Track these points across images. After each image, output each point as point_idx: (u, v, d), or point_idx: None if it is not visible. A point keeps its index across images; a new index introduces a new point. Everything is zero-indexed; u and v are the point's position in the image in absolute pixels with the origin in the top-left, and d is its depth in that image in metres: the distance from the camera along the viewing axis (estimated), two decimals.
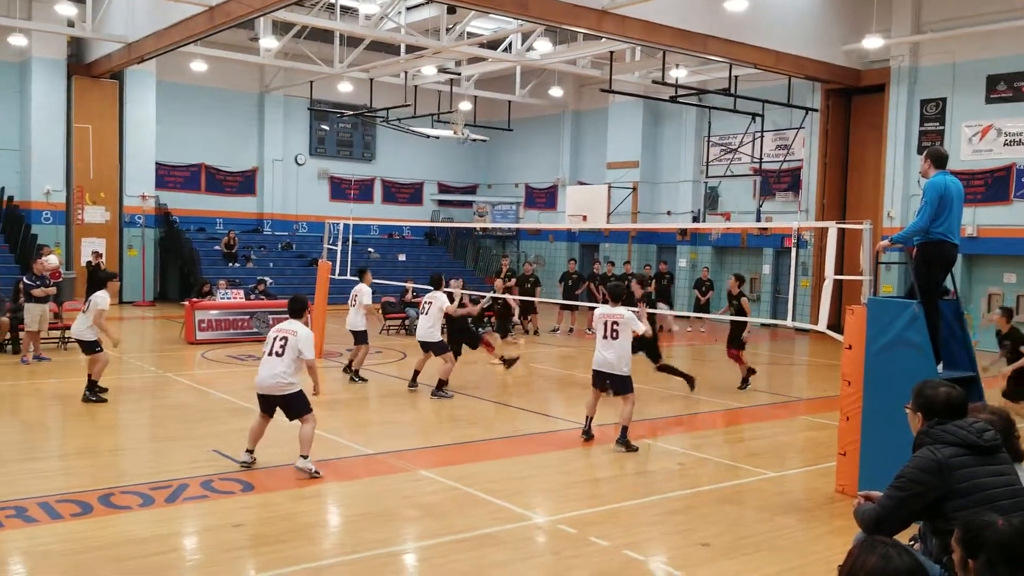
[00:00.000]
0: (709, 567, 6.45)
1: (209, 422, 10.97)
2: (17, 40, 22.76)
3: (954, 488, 4.31)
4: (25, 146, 25.01)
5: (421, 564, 6.54)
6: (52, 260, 20.35)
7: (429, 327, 12.91)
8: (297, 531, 6.99)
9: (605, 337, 9.96)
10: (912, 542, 4.84)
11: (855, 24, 21.50)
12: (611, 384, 10.14)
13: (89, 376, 11.83)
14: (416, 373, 13.32)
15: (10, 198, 24.90)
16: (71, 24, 22.62)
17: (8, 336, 16.10)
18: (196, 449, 9.42)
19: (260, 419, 8.68)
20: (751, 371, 14.37)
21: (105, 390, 11.89)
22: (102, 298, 11.72)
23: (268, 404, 8.59)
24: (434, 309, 12.92)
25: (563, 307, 21.78)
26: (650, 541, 7.09)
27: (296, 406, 8.48)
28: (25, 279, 15.68)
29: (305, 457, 8.40)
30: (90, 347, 11.82)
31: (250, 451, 8.63)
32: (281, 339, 8.46)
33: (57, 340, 16.86)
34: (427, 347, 13.05)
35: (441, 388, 12.78)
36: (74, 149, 25.40)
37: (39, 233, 23.99)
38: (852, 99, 24.00)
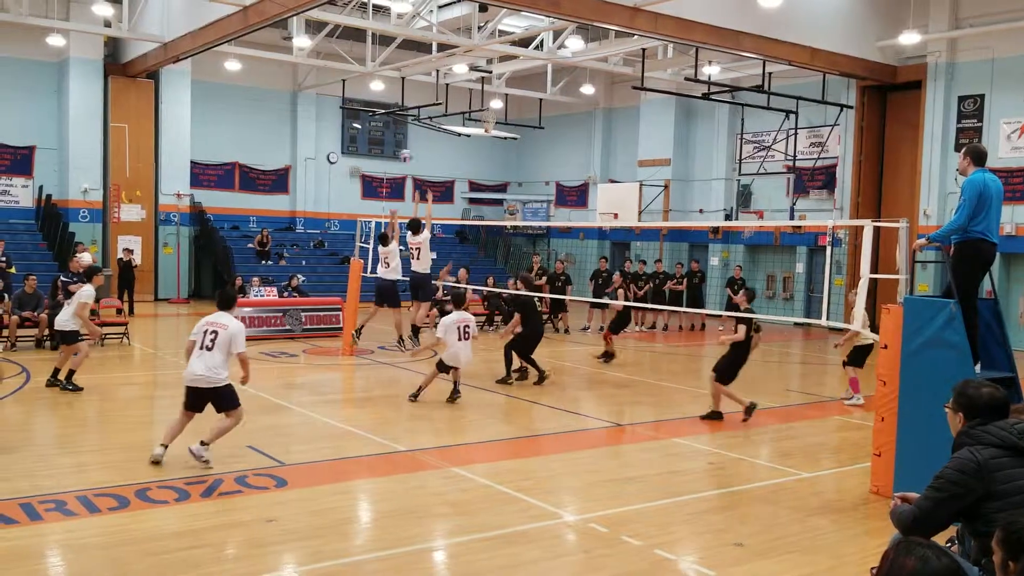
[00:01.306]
0: (742, 567, 6.41)
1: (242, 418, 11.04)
2: (55, 40, 23.11)
3: (994, 490, 4.25)
4: (63, 145, 25.38)
5: (452, 561, 6.55)
6: (85, 258, 20.61)
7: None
8: (330, 527, 7.03)
9: (460, 339, 12.01)
10: (949, 544, 4.78)
11: (891, 19, 21.26)
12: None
13: (56, 368, 12.17)
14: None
15: (48, 196, 25.28)
16: (108, 24, 22.92)
17: (47, 332, 16.34)
18: (230, 445, 9.48)
19: (183, 415, 8.64)
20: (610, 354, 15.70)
21: (79, 388, 12.03)
22: (87, 292, 11.99)
23: (198, 398, 8.55)
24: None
25: (593, 305, 21.76)
26: (682, 540, 7.06)
27: (227, 399, 8.53)
28: (62, 276, 15.91)
29: (205, 444, 8.43)
30: (71, 337, 12.09)
31: (165, 446, 8.54)
32: (212, 333, 8.46)
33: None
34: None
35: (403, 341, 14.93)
36: (111, 148, 25.75)
37: (76, 231, 24.35)
38: (888, 96, 23.71)
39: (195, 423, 8.65)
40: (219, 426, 8.52)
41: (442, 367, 11.96)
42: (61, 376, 12.09)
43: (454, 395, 12.07)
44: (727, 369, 11.59)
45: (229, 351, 8.47)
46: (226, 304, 8.76)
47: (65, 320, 12.09)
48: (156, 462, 8.43)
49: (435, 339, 12.32)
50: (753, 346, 11.69)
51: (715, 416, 11.52)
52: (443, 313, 14.24)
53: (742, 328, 11.37)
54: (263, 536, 6.75)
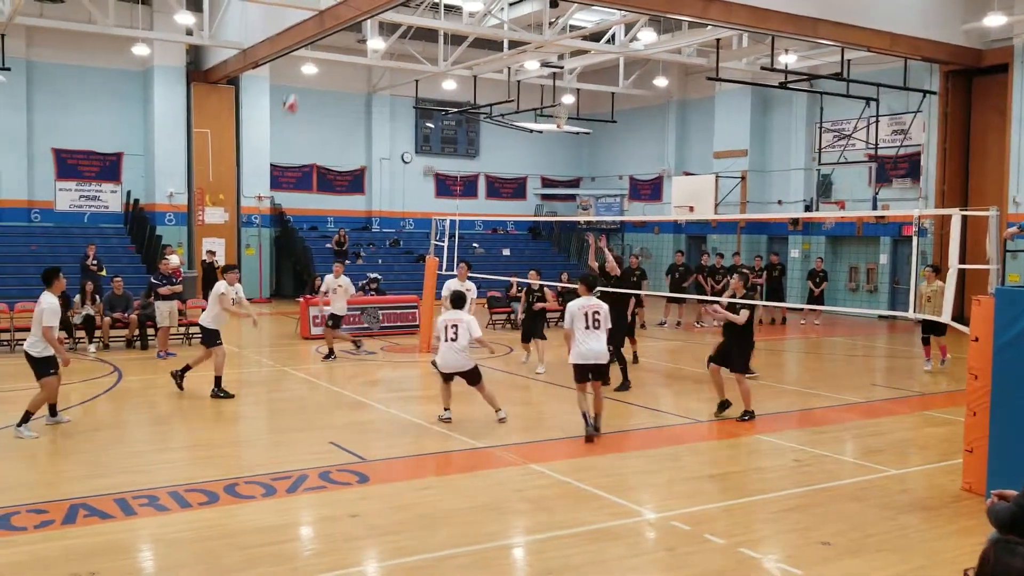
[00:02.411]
0: (830, 566, 6.28)
1: (325, 415, 11.27)
2: (140, 50, 23.88)
3: None
4: (149, 151, 26.19)
5: (534, 557, 6.56)
6: (173, 260, 21.25)
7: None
8: (411, 522, 7.11)
9: (588, 328, 9.70)
10: None
11: (975, 2, 20.54)
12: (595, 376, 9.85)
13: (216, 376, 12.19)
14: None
15: (136, 201, 26.12)
16: (190, 33, 23.55)
17: (136, 333, 16.89)
18: (314, 441, 9.69)
19: (446, 386, 10.59)
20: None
21: (230, 395, 12.20)
22: (47, 303, 9.86)
23: (451, 376, 10.44)
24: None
25: (670, 300, 21.56)
26: (766, 539, 6.95)
27: (475, 376, 10.48)
28: (152, 278, 16.42)
29: (499, 410, 10.60)
30: (212, 337, 12.21)
31: (447, 409, 10.55)
32: (452, 327, 10.26)
33: (182, 336, 17.59)
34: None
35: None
36: (194, 153, 26.48)
37: (163, 234, 25.12)
38: (973, 80, 22.92)
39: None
40: (487, 396, 10.54)
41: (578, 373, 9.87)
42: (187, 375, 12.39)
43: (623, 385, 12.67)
44: (741, 360, 11.02)
45: (470, 337, 10.24)
46: (458, 303, 10.83)
47: (207, 319, 12.28)
48: (447, 420, 10.35)
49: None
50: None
51: (749, 416, 10.95)
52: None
53: (744, 312, 10.87)
54: (347, 531, 6.87)
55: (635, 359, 15.07)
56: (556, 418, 11.29)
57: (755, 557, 6.44)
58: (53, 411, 10.24)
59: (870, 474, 8.75)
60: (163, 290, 16.07)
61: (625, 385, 12.90)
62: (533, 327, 15.26)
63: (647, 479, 8.62)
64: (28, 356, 9.85)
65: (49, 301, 9.84)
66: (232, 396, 12.10)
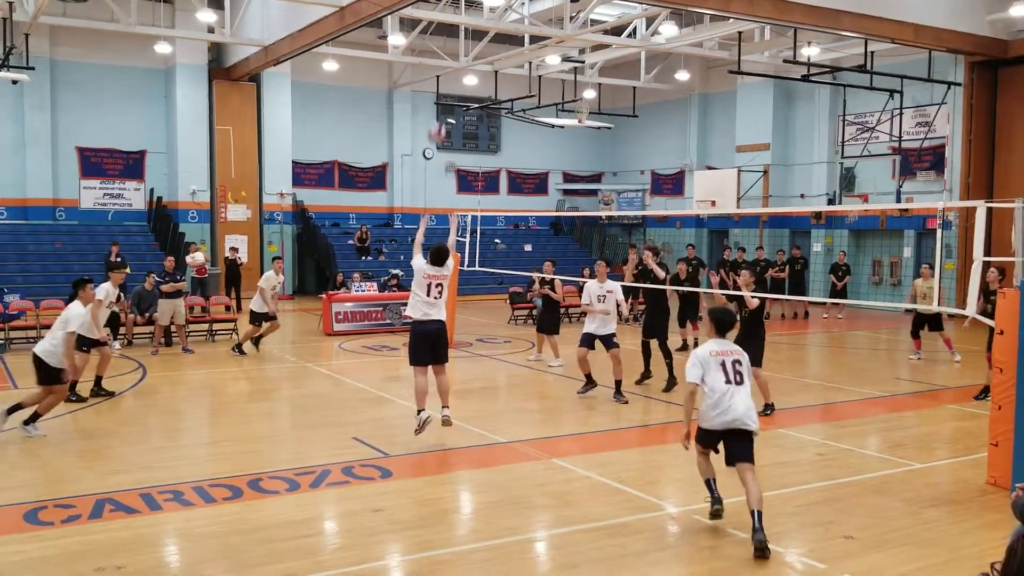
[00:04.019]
0: (854, 561, 6.25)
1: (347, 410, 11.33)
2: (162, 48, 24.06)
3: None
4: (172, 149, 26.38)
5: (557, 552, 6.57)
6: (199, 257, 21.45)
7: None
8: (434, 516, 7.15)
9: (729, 382, 7.56)
10: None
11: None
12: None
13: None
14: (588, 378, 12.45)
15: (159, 199, 26.33)
16: (211, 30, 23.69)
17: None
18: (337, 437, 9.75)
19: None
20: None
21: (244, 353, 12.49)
22: (74, 311, 9.98)
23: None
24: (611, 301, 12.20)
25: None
26: (790, 533, 6.91)
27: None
28: (155, 276, 16.52)
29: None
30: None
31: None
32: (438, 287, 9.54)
33: (205, 333, 17.73)
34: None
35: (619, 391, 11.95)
36: (216, 150, 26.65)
37: (186, 231, 25.29)
38: (999, 71, 22.66)
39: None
40: (442, 385, 9.56)
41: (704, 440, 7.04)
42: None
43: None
44: (755, 353, 10.24)
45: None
46: (439, 260, 9.59)
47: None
48: (427, 422, 9.25)
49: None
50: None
51: (770, 409, 10.87)
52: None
53: (754, 300, 10.72)
54: (371, 526, 6.90)
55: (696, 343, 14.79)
56: (578, 413, 11.27)
57: (778, 551, 6.41)
58: (35, 418, 9.67)
59: (894, 468, 8.69)
60: (165, 287, 16.19)
61: (671, 383, 12.53)
62: (545, 319, 15.20)
63: (669, 473, 8.61)
64: (40, 361, 9.60)
65: (77, 310, 9.95)
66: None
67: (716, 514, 6.84)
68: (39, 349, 9.73)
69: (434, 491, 7.89)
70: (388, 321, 19.24)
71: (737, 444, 6.71)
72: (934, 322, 15.49)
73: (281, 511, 7.22)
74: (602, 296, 12.13)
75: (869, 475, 8.45)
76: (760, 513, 6.42)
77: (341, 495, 7.72)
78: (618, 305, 12.26)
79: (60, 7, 22.60)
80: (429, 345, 9.44)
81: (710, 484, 6.93)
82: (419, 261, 9.69)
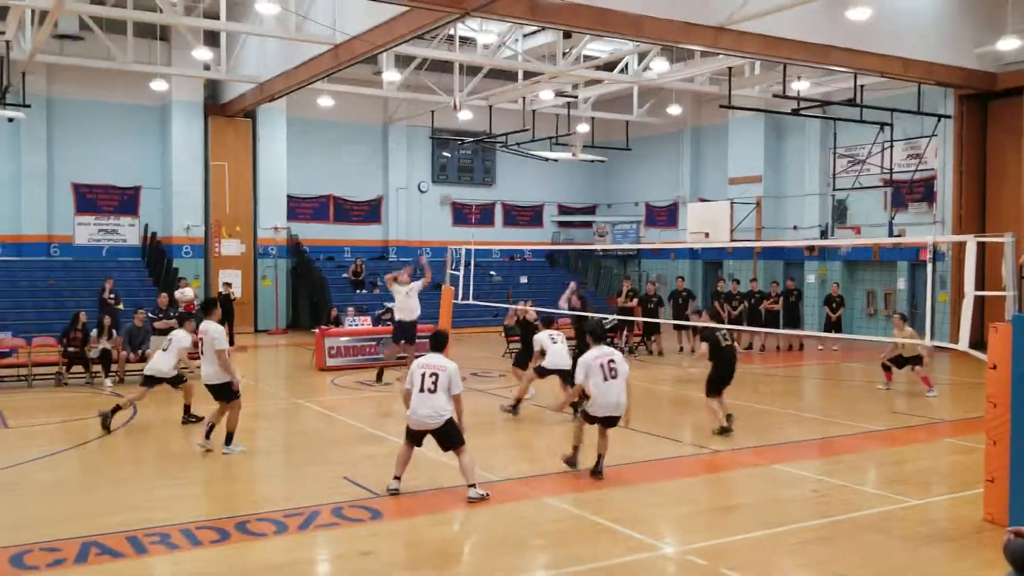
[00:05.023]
0: None
1: (339, 449, 11.24)
2: (158, 85, 24.17)
3: None
4: (167, 184, 26.44)
5: None
6: (188, 292, 21.40)
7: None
8: (425, 559, 7.06)
9: (606, 379, 9.33)
10: None
11: (989, 25, 20.50)
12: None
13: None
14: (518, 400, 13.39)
15: (153, 234, 26.34)
16: (207, 67, 23.83)
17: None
18: (327, 476, 9.65)
19: (407, 447, 8.90)
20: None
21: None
22: (214, 330, 10.67)
23: (421, 435, 8.82)
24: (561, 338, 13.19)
25: (675, 327, 21.46)
26: (786, 573, 6.84)
27: (454, 437, 8.70)
28: (149, 313, 16.48)
29: (473, 486, 8.60)
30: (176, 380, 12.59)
31: (398, 478, 8.82)
32: (432, 375, 8.59)
33: (195, 369, 17.59)
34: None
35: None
36: (211, 185, 26.71)
37: (180, 267, 25.26)
38: (988, 104, 22.82)
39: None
40: (463, 465, 8.58)
41: (586, 417, 9.64)
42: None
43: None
44: (711, 383, 11.96)
45: (449, 391, 8.56)
46: (440, 346, 9.00)
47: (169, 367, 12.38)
48: (395, 493, 8.69)
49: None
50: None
51: (726, 431, 11.67)
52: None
53: (704, 345, 11.93)
54: (360, 569, 6.82)
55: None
56: (565, 449, 11.17)
57: None
58: (207, 433, 10.73)
59: (891, 504, 8.62)
60: (159, 324, 16.14)
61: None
62: (523, 355, 15.08)
63: (663, 512, 8.52)
64: (209, 387, 10.52)
65: (216, 328, 10.48)
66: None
67: (571, 463, 9.71)
68: (204, 378, 10.55)
69: (425, 532, 7.80)
70: (382, 356, 19.16)
71: (610, 422, 9.42)
72: (914, 358, 15.60)
73: (268, 554, 7.13)
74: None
75: (865, 512, 8.37)
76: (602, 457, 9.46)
77: (330, 538, 7.63)
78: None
79: (57, 46, 22.75)
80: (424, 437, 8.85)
81: (576, 449, 9.71)
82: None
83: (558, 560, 7.02)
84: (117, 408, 12.19)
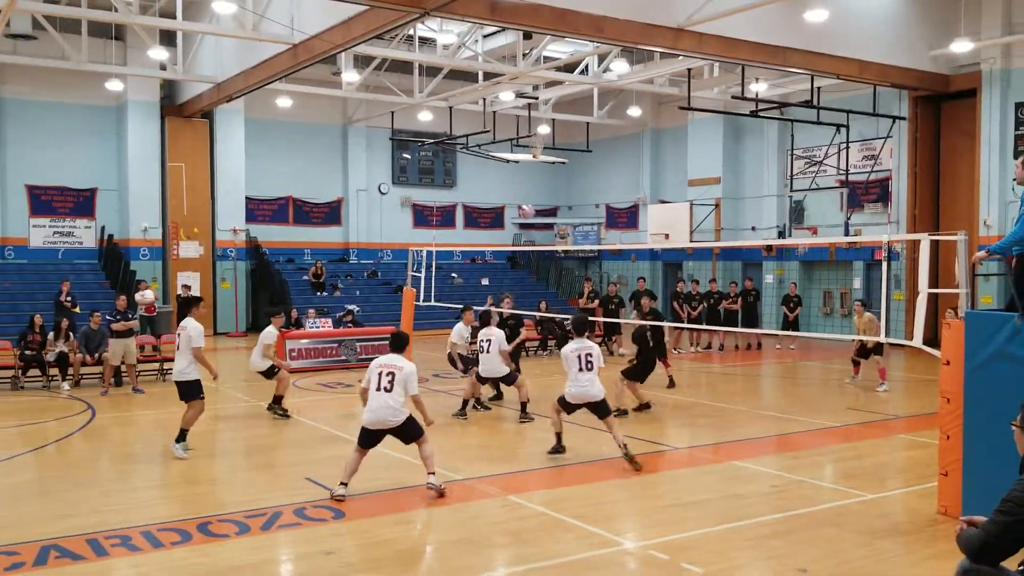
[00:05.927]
0: None
1: (301, 450, 11.18)
2: (114, 85, 23.82)
3: None
4: (123, 186, 26.08)
5: None
6: (148, 295, 21.15)
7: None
8: (388, 558, 7.05)
9: (581, 369, 10.15)
10: (1021, 568, 4.63)
11: (942, 28, 20.93)
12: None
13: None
14: (465, 403, 13.50)
15: (110, 236, 25.97)
16: (163, 67, 23.55)
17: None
18: (289, 477, 9.61)
19: (358, 452, 8.79)
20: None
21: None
22: (191, 326, 10.78)
23: (377, 437, 8.85)
24: (494, 346, 13.10)
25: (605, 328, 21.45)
26: (744, 567, 6.93)
27: (413, 430, 8.78)
28: (107, 315, 16.26)
29: (433, 473, 8.82)
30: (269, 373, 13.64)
31: (345, 484, 8.62)
32: (388, 374, 8.61)
33: (156, 372, 17.42)
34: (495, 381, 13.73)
35: (524, 411, 13.01)
36: (168, 187, 26.40)
37: (138, 269, 24.93)
38: (942, 105, 23.30)
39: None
40: (425, 455, 8.81)
41: (564, 404, 10.36)
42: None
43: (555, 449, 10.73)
44: (634, 372, 13.39)
45: (405, 390, 8.60)
46: (399, 346, 9.01)
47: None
48: (340, 499, 8.48)
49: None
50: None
51: (622, 413, 12.83)
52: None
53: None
54: (322, 569, 6.79)
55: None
56: (533, 448, 11.24)
57: None
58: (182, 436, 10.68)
59: (847, 499, 8.77)
60: (116, 326, 15.93)
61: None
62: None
63: (625, 508, 8.60)
64: (178, 383, 10.71)
65: (195, 325, 10.65)
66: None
67: (556, 451, 10.50)
68: (175, 374, 10.79)
69: (388, 531, 7.79)
70: (343, 358, 19.08)
71: (595, 409, 10.13)
72: (877, 347, 16.04)
73: (231, 555, 7.07)
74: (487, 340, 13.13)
75: (823, 506, 8.51)
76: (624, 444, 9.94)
77: (292, 538, 7.59)
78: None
79: (10, 45, 22.35)
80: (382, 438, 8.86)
81: (559, 436, 10.53)
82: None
83: (521, 557, 7.05)
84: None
